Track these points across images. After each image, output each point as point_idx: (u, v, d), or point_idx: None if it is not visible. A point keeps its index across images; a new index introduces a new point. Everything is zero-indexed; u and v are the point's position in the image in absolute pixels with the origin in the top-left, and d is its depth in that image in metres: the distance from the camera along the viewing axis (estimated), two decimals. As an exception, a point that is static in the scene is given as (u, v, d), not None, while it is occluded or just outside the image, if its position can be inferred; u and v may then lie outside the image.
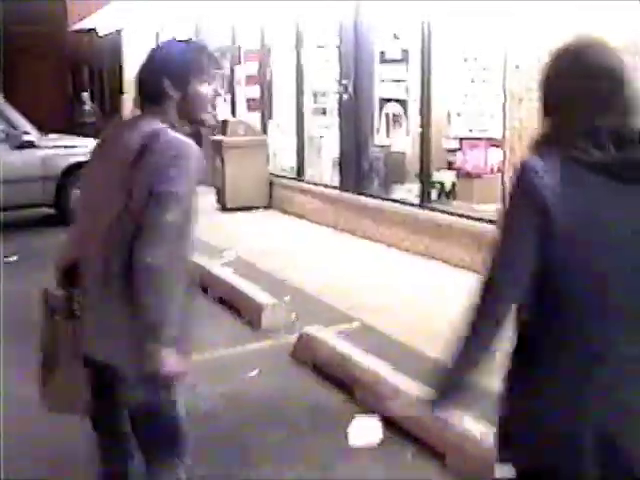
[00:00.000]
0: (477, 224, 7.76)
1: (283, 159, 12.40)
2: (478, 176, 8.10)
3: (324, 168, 11.14)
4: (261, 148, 12.13)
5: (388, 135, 9.42)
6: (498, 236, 2.01)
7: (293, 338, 5.88)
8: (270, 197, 12.23)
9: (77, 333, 2.77)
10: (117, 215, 2.62)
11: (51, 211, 11.67)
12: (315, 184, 11.15)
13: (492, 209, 7.62)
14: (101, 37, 20.12)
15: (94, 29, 19.84)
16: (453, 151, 8.42)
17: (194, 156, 2.66)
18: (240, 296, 6.88)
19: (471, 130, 8.02)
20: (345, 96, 10.02)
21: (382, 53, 9.36)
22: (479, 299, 2.03)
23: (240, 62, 13.48)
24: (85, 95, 16.47)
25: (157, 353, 2.56)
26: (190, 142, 2.69)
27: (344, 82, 10.01)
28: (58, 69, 22.48)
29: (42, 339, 2.93)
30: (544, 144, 2.01)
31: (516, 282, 2.00)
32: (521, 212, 1.97)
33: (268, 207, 12.15)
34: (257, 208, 12.02)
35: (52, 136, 11.87)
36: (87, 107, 16.29)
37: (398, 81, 9.12)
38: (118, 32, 20.10)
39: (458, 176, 8.43)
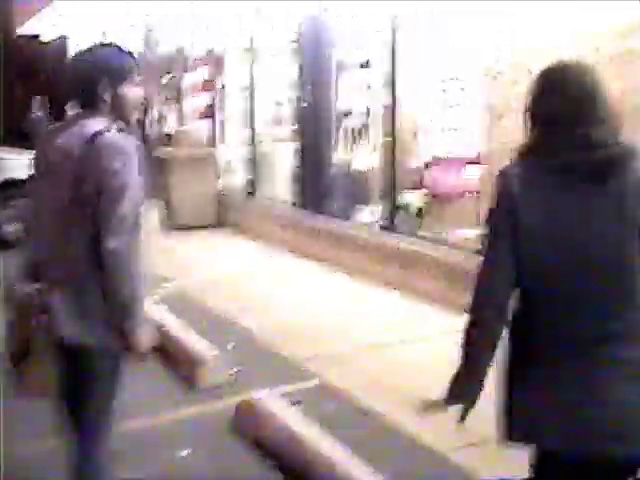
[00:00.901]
0: (448, 252, 6.85)
1: (235, 173, 11.39)
2: (450, 198, 7.17)
3: (280, 184, 10.14)
4: (209, 161, 11.12)
5: (349, 151, 8.45)
6: (485, 238, 2.35)
7: (235, 401, 4.87)
8: (220, 215, 11.21)
9: (49, 323, 2.92)
10: (65, 206, 2.86)
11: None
12: (269, 201, 10.17)
13: (467, 235, 6.72)
14: (45, 43, 18.98)
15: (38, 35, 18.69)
16: (423, 169, 7.45)
17: (134, 150, 2.89)
18: (174, 344, 5.84)
19: (443, 147, 7.07)
20: (303, 105, 9.05)
21: (341, 61, 8.41)
22: (483, 290, 2.33)
23: (188, 70, 12.41)
24: (37, 101, 15.05)
25: (133, 329, 2.90)
26: (129, 138, 2.92)
27: (302, 91, 9.04)
28: (4, 75, 21.30)
29: (9, 334, 3.05)
30: (525, 154, 2.33)
31: (508, 274, 2.28)
32: (499, 216, 2.30)
33: (218, 226, 11.13)
34: (205, 227, 11.00)
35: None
36: (35, 114, 14.92)
37: (360, 91, 8.15)
38: (62, 38, 18.97)
39: (428, 198, 7.48)
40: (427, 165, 7.35)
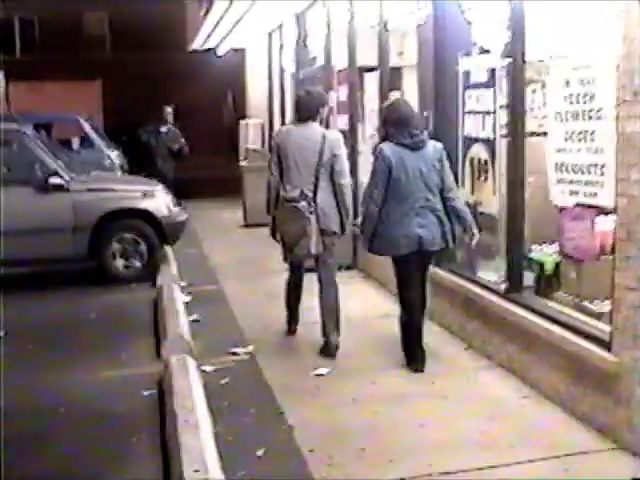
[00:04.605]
0: (577, 339, 5.02)
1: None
2: (581, 260, 5.33)
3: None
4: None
5: (473, 189, 6.72)
6: (370, 175, 5.96)
7: None
8: (355, 255, 9.75)
9: (314, 217, 6.28)
10: (319, 166, 6.23)
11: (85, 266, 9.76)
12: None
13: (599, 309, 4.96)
14: (220, 56, 18.41)
15: (213, 49, 18.10)
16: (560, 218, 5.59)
17: (341, 137, 6.45)
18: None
19: (575, 192, 5.20)
20: (425, 132, 7.40)
21: (467, 73, 6.69)
22: (369, 197, 5.90)
23: (334, 87, 11.01)
24: (168, 112, 14.09)
25: (347, 222, 6.40)
26: (339, 132, 6.91)
27: (425, 114, 7.40)
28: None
29: (290, 229, 6.32)
30: (384, 139, 6.00)
31: (380, 188, 5.82)
32: (380, 165, 5.83)
33: (352, 267, 9.67)
34: (339, 269, 9.52)
35: (87, 178, 9.92)
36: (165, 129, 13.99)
37: (484, 113, 6.41)
38: (239, 50, 18.36)
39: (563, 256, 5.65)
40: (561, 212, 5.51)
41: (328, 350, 6.34)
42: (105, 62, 29.98)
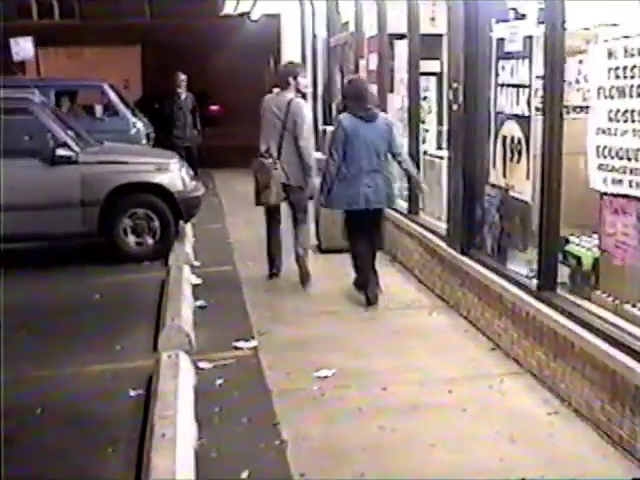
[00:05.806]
0: (615, 352, 4.34)
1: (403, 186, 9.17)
2: (621, 259, 4.62)
3: (445, 205, 7.78)
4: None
5: (505, 172, 6.00)
6: (330, 140, 6.96)
7: None
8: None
9: (278, 172, 7.35)
10: (283, 129, 7.39)
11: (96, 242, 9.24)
12: (426, 228, 7.88)
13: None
14: (254, 21, 17.71)
15: (247, 13, 17.39)
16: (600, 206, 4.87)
17: (306, 106, 7.63)
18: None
19: (618, 181, 4.49)
20: (454, 106, 6.71)
21: (500, 41, 5.95)
22: (329, 158, 6.89)
23: (364, 55, 10.30)
24: (183, 79, 14.07)
25: (310, 179, 7.44)
26: (304, 101, 7.71)
27: (454, 85, 6.70)
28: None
29: (259, 178, 7.43)
30: (343, 110, 7.02)
31: (339, 152, 6.80)
32: (338, 132, 6.83)
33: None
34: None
35: (98, 149, 9.36)
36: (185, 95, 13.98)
37: (519, 86, 5.68)
38: (274, 16, 17.66)
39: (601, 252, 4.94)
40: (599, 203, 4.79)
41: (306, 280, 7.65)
42: (144, 27, 29.45)
